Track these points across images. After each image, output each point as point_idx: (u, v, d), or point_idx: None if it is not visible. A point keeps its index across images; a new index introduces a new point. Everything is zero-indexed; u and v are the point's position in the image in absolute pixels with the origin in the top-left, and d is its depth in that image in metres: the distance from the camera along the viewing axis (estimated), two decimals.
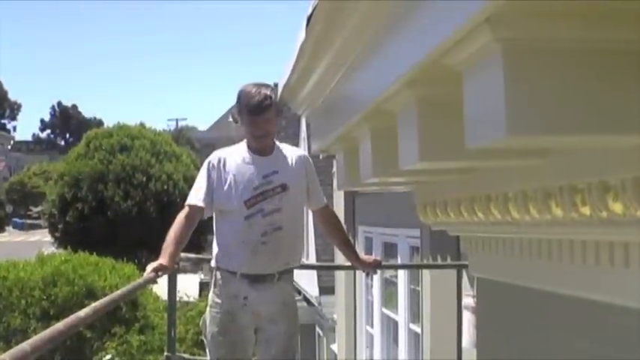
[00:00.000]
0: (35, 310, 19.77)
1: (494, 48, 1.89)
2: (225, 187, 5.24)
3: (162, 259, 5.04)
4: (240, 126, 5.35)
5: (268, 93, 5.12)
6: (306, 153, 5.78)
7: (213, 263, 5.48)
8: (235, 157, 5.34)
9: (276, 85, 5.30)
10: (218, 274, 5.41)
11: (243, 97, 5.17)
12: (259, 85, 5.19)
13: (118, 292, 4.57)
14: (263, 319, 5.36)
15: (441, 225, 4.23)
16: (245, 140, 5.43)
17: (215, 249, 5.45)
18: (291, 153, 5.53)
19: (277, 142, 5.49)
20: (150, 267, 4.98)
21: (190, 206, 5.33)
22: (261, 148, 5.34)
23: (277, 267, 5.34)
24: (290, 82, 4.18)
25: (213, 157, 5.41)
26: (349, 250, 6.04)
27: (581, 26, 1.86)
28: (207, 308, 5.49)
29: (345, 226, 6.61)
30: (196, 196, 5.34)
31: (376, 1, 2.51)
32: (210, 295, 5.48)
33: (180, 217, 5.30)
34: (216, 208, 5.36)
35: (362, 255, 6.37)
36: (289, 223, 5.35)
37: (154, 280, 5.02)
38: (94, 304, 3.52)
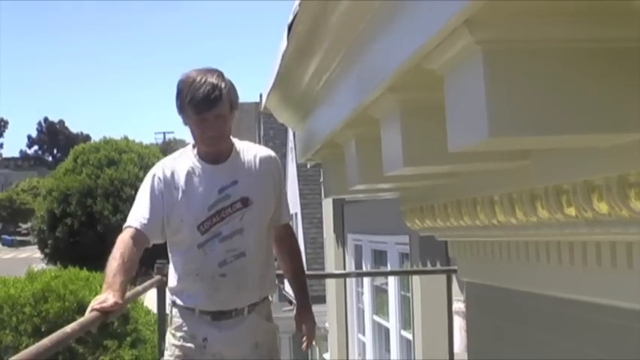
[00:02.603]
0: (27, 327, 19.70)
1: (475, 50, 1.88)
2: (175, 210, 4.06)
3: (111, 292, 3.64)
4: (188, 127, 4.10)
5: (216, 81, 3.89)
6: (274, 154, 4.40)
7: (169, 296, 4.45)
8: (183, 168, 4.11)
9: (260, 96, 5.13)
10: (174, 309, 4.29)
11: (184, 89, 3.91)
12: (204, 72, 3.94)
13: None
14: None
15: (429, 230, 4.23)
16: (191, 145, 4.23)
17: (170, 280, 4.35)
18: (256, 154, 4.21)
19: (236, 142, 4.20)
20: (95, 302, 3.58)
21: (131, 229, 4.01)
22: (215, 153, 4.12)
23: (245, 301, 4.18)
24: (273, 92, 4.18)
25: (159, 168, 4.16)
26: (300, 290, 4.58)
27: (561, 26, 1.86)
28: (165, 352, 4.37)
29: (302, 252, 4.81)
30: (136, 217, 4.06)
31: (356, 8, 2.51)
32: (167, 335, 4.36)
33: (124, 237, 3.97)
34: (167, 235, 4.14)
35: (306, 312, 4.54)
36: (255, 246, 4.14)
37: (103, 321, 3.61)
38: (80, 320, 3.44)
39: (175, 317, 4.26)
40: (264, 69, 4.15)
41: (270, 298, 4.44)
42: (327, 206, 14.84)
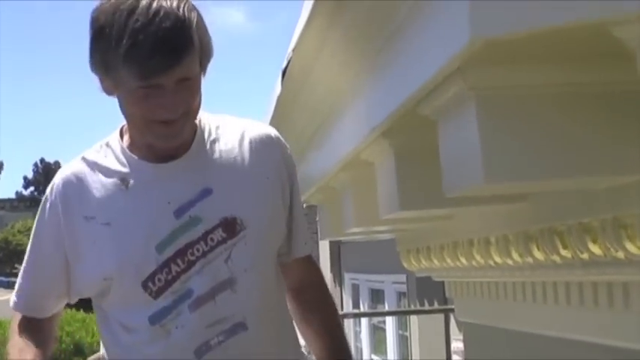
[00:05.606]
0: None
1: (468, 96, 1.89)
2: (89, 261, 2.18)
3: None
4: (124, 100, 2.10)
5: (178, 9, 1.94)
6: (275, 133, 2.49)
7: None
8: (101, 177, 2.22)
9: None
10: None
11: (110, 20, 1.95)
12: None
13: None
14: None
15: (425, 271, 4.22)
16: (118, 131, 2.29)
17: None
18: (243, 134, 2.31)
19: (203, 117, 2.26)
20: None
21: (16, 316, 2.35)
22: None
23: None
24: None
25: (57, 186, 2.28)
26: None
27: (554, 70, 1.87)
28: None
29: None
30: (19, 291, 2.38)
31: (349, 54, 2.52)
32: None
33: (12, 329, 2.32)
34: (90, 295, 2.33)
35: None
36: (262, 308, 2.22)
37: None
38: None
39: None
40: (259, 110, 4.12)
41: None
42: (324, 245, 14.81)
